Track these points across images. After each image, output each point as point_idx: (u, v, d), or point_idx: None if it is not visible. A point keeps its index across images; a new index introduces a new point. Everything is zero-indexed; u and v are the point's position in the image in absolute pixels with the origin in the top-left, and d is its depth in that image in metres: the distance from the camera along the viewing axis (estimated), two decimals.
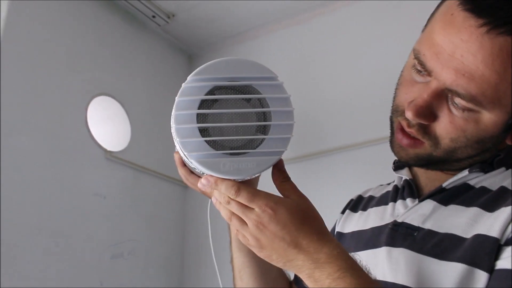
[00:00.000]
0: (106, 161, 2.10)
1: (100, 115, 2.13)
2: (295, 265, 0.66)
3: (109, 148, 2.13)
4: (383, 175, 1.04)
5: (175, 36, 2.55)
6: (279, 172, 0.68)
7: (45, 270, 1.78)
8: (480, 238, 0.68)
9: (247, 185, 0.67)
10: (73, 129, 1.99)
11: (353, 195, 1.03)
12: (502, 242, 0.67)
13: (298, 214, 0.64)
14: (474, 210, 0.73)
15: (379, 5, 2.16)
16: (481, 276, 0.67)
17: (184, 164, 0.78)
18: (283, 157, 0.69)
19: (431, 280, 0.70)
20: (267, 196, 0.65)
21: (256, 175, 0.69)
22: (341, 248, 0.65)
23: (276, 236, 0.65)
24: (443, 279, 0.69)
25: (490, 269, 0.66)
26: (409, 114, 0.72)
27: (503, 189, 0.73)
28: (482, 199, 0.74)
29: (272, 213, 0.64)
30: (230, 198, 0.66)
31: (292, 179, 0.70)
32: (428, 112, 0.72)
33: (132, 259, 2.16)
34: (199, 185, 0.70)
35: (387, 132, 0.82)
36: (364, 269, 0.65)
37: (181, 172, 0.80)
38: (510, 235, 0.66)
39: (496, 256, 0.66)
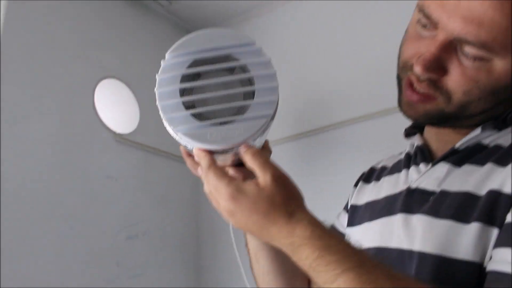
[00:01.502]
0: (116, 143, 2.11)
1: (107, 98, 2.13)
2: (276, 245, 0.65)
3: (118, 131, 2.13)
4: (394, 145, 1.02)
5: (179, 16, 2.53)
6: (244, 153, 0.67)
7: (61, 254, 1.79)
8: (494, 195, 0.66)
9: (218, 166, 0.66)
10: (81, 113, 2.00)
11: (365, 166, 1.01)
12: None
13: (262, 201, 0.63)
14: (488, 167, 0.70)
15: None
16: (495, 234, 0.65)
17: (189, 154, 0.78)
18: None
19: (450, 243, 0.68)
20: (230, 183, 0.64)
21: (249, 143, 0.68)
22: (314, 225, 0.62)
23: (247, 222, 0.64)
24: (462, 240, 0.67)
25: (502, 225, 0.64)
26: (418, 69, 0.70)
27: None
28: (495, 155, 0.71)
29: (235, 202, 0.63)
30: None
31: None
32: (437, 66, 0.69)
33: (147, 240, 2.17)
34: (195, 158, 0.69)
35: (396, 103, 0.79)
36: (344, 241, 0.63)
37: (188, 163, 0.79)
38: None
39: (509, 211, 0.64)
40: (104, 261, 1.95)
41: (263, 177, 0.64)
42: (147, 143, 2.24)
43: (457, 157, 0.76)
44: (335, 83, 2.20)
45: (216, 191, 0.65)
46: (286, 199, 0.63)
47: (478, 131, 0.75)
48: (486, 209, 0.66)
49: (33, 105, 1.81)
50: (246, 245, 0.90)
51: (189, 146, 0.70)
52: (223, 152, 0.69)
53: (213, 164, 0.66)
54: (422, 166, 0.81)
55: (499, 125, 0.75)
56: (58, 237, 1.80)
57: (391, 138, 1.21)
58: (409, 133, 0.87)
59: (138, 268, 2.09)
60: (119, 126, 2.15)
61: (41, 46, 1.89)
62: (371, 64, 2.07)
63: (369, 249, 0.81)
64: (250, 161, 0.66)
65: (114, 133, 2.11)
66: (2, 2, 1.77)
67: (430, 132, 0.84)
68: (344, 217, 0.96)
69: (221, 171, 0.65)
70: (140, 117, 2.25)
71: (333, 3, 2.27)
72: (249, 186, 0.63)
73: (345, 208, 0.98)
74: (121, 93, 2.22)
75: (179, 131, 0.66)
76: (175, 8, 2.44)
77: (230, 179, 0.64)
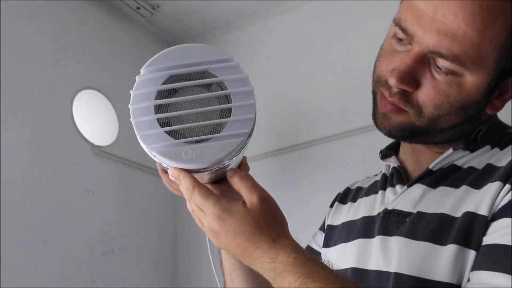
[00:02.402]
0: (93, 156, 2.07)
1: (86, 109, 2.09)
2: (257, 269, 0.65)
3: (96, 143, 2.09)
4: (372, 163, 1.03)
5: (161, 28, 2.51)
6: (232, 177, 0.67)
7: (34, 269, 1.75)
8: (469, 216, 0.68)
9: (203, 185, 0.65)
10: (59, 124, 1.96)
11: (342, 183, 1.02)
12: (489, 218, 0.66)
13: (247, 224, 0.62)
14: (463, 189, 0.72)
15: None
16: (472, 256, 0.66)
17: (165, 171, 0.77)
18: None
19: (427, 265, 0.69)
20: (216, 203, 0.63)
21: (225, 163, 0.67)
22: (297, 252, 0.62)
23: (230, 244, 0.64)
24: (439, 262, 0.68)
25: (479, 247, 0.66)
26: (392, 81, 0.71)
27: (489, 166, 0.73)
28: (470, 178, 0.73)
29: (221, 223, 0.63)
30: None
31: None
32: (411, 78, 0.71)
33: (124, 255, 2.13)
34: (169, 177, 0.69)
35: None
36: (327, 268, 0.63)
37: (164, 180, 0.79)
38: (496, 210, 0.66)
39: (484, 233, 0.66)
40: (78, 277, 1.91)
41: (249, 198, 0.64)
42: (126, 156, 2.20)
43: (432, 179, 0.77)
44: (313, 100, 2.20)
45: (200, 210, 0.65)
46: (271, 222, 0.64)
47: (450, 151, 0.77)
48: (462, 231, 0.67)
49: (9, 115, 1.77)
50: (221, 264, 0.89)
51: (164, 165, 0.68)
52: (199, 171, 0.67)
53: (197, 183, 0.65)
54: (398, 187, 0.82)
55: (470, 146, 0.77)
56: (31, 251, 1.75)
57: (368, 155, 1.21)
58: (384, 154, 0.88)
59: (114, 284, 2.04)
60: (97, 138, 2.11)
61: (18, 54, 1.85)
62: (349, 81, 2.08)
63: (346, 270, 0.82)
64: (237, 184, 0.66)
65: (92, 145, 2.07)
66: None
67: (406, 154, 0.86)
68: (321, 237, 0.97)
69: (206, 190, 0.65)
70: (119, 129, 2.21)
71: (313, 21, 2.28)
72: (236, 206, 0.63)
73: (321, 228, 1.00)
74: (100, 104, 2.18)
75: (153, 150, 0.65)
76: (156, 18, 2.42)
77: (217, 198, 0.64)
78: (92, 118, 2.14)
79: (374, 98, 0.79)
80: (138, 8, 2.29)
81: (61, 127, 1.96)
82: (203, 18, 2.44)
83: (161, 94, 0.66)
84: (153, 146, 0.65)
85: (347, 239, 0.86)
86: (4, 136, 1.73)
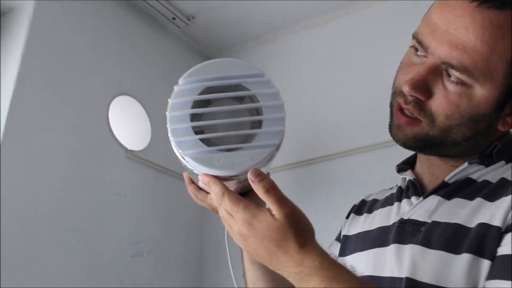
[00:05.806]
0: (127, 160, 2.13)
1: (121, 114, 2.16)
2: (282, 273, 0.67)
3: (130, 147, 2.15)
4: (389, 177, 1.04)
5: (195, 38, 2.57)
6: (257, 185, 0.67)
7: (66, 268, 1.80)
8: (483, 227, 0.70)
9: (232, 191, 0.67)
10: (95, 128, 2.02)
11: (359, 196, 1.04)
12: (503, 230, 0.68)
13: (275, 230, 0.64)
14: (477, 201, 0.74)
15: (400, 6, 2.15)
16: (486, 265, 0.68)
17: (192, 182, 0.80)
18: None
19: (442, 273, 0.71)
20: (246, 208, 0.66)
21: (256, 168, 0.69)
22: (323, 257, 0.65)
23: (258, 247, 0.66)
24: (454, 271, 0.70)
25: (492, 257, 0.68)
26: (406, 88, 0.74)
27: (503, 180, 0.75)
28: (484, 191, 0.75)
29: (250, 227, 0.65)
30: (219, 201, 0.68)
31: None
32: (424, 87, 0.74)
33: (152, 258, 2.18)
34: (199, 183, 0.70)
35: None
36: (350, 272, 0.66)
37: (190, 190, 0.82)
38: (510, 222, 0.68)
39: (498, 243, 0.68)
40: (108, 278, 1.96)
41: (277, 213, 0.65)
42: (157, 161, 2.26)
43: (447, 191, 0.79)
44: (337, 113, 2.22)
45: (229, 215, 0.67)
46: (298, 232, 0.65)
47: (465, 165, 0.79)
48: (476, 241, 0.69)
49: (49, 118, 1.84)
50: (244, 274, 0.91)
51: (196, 171, 0.71)
52: (228, 179, 0.70)
53: (226, 189, 0.68)
54: (413, 199, 0.84)
55: (485, 160, 0.79)
56: (64, 250, 1.81)
57: (381, 170, 1.21)
58: (401, 168, 0.91)
59: (142, 286, 2.09)
60: (131, 142, 2.17)
61: (59, 61, 1.93)
62: (375, 95, 2.08)
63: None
64: (263, 197, 0.67)
65: (126, 149, 2.13)
66: (27, 16, 1.82)
67: (423, 167, 0.88)
68: (336, 247, 0.99)
69: (236, 196, 0.67)
70: (151, 135, 2.27)
71: (341, 37, 2.31)
72: (264, 215, 0.65)
73: (337, 238, 1.01)
74: (135, 110, 2.25)
75: (187, 155, 0.67)
76: (190, 29, 2.48)
77: (246, 204, 0.66)
78: (127, 124, 2.20)
79: (391, 111, 0.82)
80: (173, 18, 2.35)
81: (97, 131, 2.03)
82: (236, 30, 2.50)
83: (196, 104, 0.69)
84: (187, 152, 0.67)
85: (362, 248, 0.87)
86: (41, 139, 1.81)
